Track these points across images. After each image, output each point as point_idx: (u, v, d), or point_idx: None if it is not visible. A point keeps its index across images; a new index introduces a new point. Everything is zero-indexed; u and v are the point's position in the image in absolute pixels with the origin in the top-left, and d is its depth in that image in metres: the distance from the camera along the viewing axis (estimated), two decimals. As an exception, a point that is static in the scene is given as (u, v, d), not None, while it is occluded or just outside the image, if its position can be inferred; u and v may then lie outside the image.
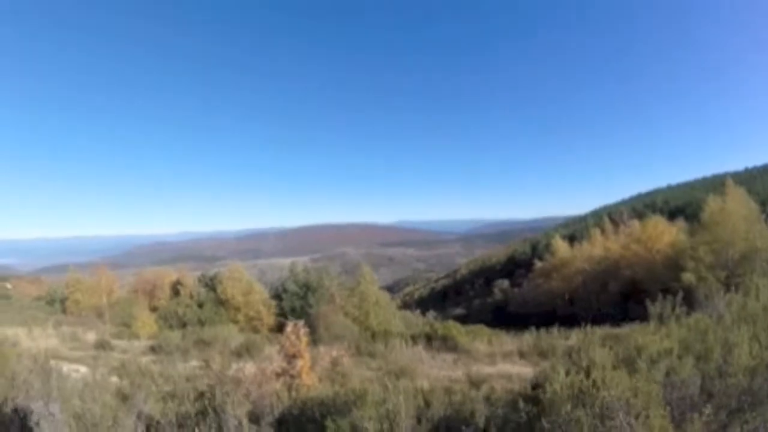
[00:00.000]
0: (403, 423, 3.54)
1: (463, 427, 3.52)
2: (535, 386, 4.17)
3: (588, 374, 3.34)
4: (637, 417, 2.91)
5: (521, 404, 3.52)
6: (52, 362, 10.33)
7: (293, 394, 5.09)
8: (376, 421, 3.48)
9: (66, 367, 13.35)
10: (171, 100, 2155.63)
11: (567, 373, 3.38)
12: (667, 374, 3.50)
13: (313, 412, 4.23)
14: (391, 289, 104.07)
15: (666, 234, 40.32)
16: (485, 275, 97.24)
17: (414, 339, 20.31)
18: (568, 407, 3.13)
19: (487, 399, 4.31)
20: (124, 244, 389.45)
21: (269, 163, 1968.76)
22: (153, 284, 47.38)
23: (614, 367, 3.40)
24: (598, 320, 25.85)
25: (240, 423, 3.91)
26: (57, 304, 43.65)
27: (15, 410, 4.26)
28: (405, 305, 73.30)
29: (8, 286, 58.74)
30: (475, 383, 10.39)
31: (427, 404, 3.72)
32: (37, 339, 22.44)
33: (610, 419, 2.96)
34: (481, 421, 3.54)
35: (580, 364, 3.68)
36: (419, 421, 3.63)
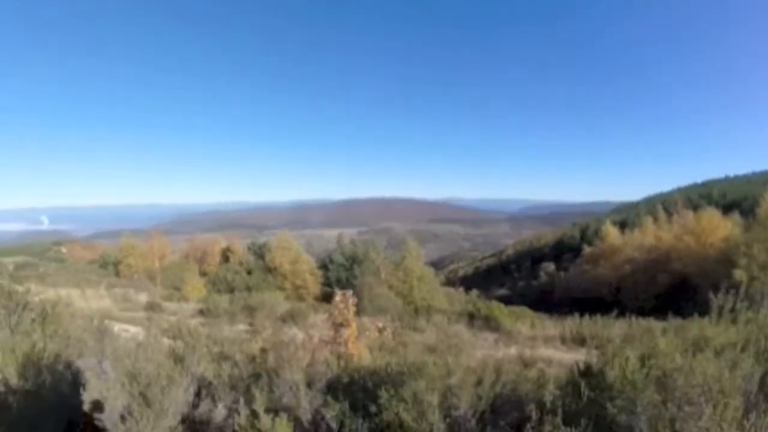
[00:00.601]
0: (464, 398, 3.41)
1: (524, 407, 3.36)
2: (586, 371, 3.95)
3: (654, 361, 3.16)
4: (715, 406, 2.70)
5: (583, 387, 3.33)
6: (103, 321, 10.71)
7: (341, 362, 5.02)
8: (439, 394, 3.37)
9: (117, 327, 13.81)
10: (236, 75, 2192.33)
11: (641, 359, 3.19)
12: (731, 368, 3.24)
13: (365, 381, 4.14)
14: (435, 265, 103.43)
15: (721, 228, 38.27)
16: (531, 257, 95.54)
17: (456, 316, 20.17)
18: (650, 391, 2.95)
19: (537, 380, 4.15)
20: (177, 212, 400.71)
21: (321, 137, 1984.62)
22: (203, 250, 48.70)
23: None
24: (644, 312, 24.96)
25: (296, 387, 3.86)
26: (110, 268, 45.47)
27: (68, 367, 4.34)
28: (449, 282, 72.83)
29: (63, 250, 62.08)
30: (527, 364, 10.17)
31: (479, 382, 3.58)
32: (90, 300, 23.27)
33: (690, 405, 2.76)
34: (541, 401, 3.37)
35: (645, 351, 3.45)
36: (479, 397, 3.49)
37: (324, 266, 40.58)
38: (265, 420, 3.34)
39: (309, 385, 3.96)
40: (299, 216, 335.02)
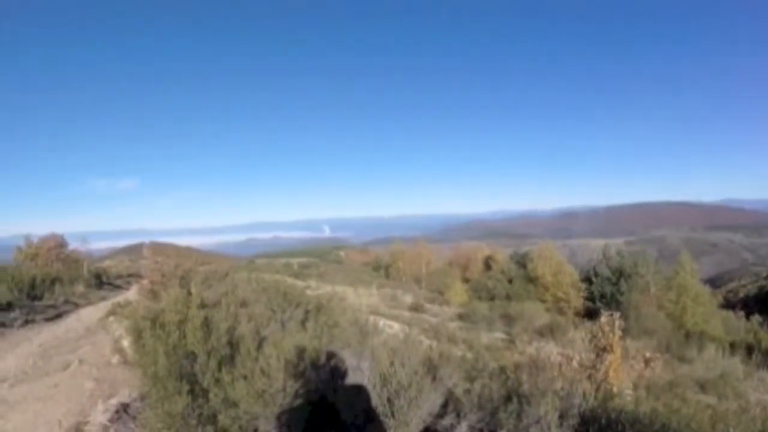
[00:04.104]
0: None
1: None
2: None
3: None
4: None
5: None
6: (371, 317, 11.55)
7: (598, 394, 4.42)
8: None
9: (382, 322, 14.85)
10: (496, 83, 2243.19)
11: None
12: None
13: (624, 428, 3.55)
14: (712, 282, 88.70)
15: None
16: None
17: (732, 347, 17.35)
18: None
19: None
20: (441, 222, 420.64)
21: (583, 141, 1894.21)
22: (467, 258, 50.25)
23: None
24: None
25: (548, 419, 3.50)
26: (381, 270, 50.23)
27: (330, 357, 4.65)
28: (727, 304, 61.64)
29: (341, 254, 72.57)
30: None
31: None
32: (361, 297, 25.69)
33: None
34: None
35: None
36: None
37: (587, 279, 38.11)
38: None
39: (561, 416, 3.54)
40: (563, 224, 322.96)
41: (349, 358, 4.84)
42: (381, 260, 55.03)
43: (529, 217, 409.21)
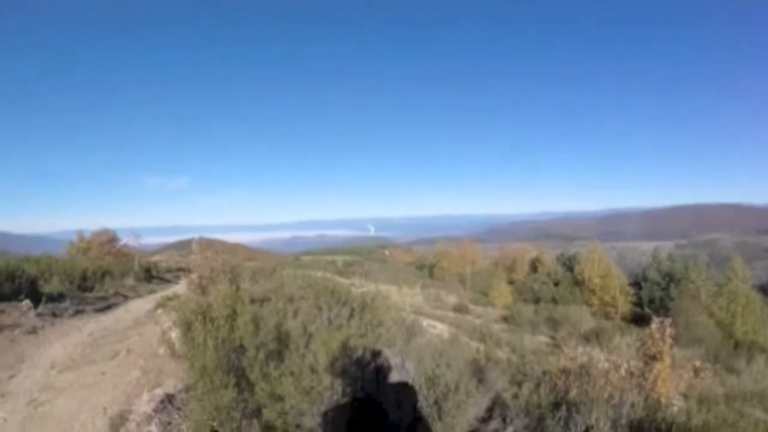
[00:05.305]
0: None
1: None
2: None
3: None
4: None
5: None
6: (413, 316, 11.46)
7: (647, 403, 4.23)
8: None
9: (426, 322, 14.77)
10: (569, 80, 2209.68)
11: None
12: None
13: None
14: (764, 289, 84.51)
15: None
16: None
17: None
18: None
19: None
20: (487, 222, 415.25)
21: (632, 138, 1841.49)
22: (513, 259, 49.49)
23: None
24: None
25: (595, 427, 3.37)
26: (425, 270, 49.88)
27: (375, 356, 4.61)
28: None
29: (385, 252, 72.84)
30: None
31: None
32: (405, 296, 25.61)
33: None
34: None
35: None
36: None
37: (636, 283, 36.88)
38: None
39: (611, 426, 3.39)
40: (611, 226, 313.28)
41: (393, 358, 4.80)
42: (425, 259, 54.69)
43: (576, 219, 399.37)
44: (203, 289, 11.12)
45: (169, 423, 4.73)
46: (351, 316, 6.07)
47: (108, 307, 13.68)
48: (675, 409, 5.13)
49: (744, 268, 29.42)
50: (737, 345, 21.09)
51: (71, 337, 9.34)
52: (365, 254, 65.20)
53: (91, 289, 16.05)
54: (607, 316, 32.27)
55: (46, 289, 13.52)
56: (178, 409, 4.98)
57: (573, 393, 4.14)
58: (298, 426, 3.69)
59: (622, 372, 7.11)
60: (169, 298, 12.50)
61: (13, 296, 11.74)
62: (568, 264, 41.15)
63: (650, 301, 34.20)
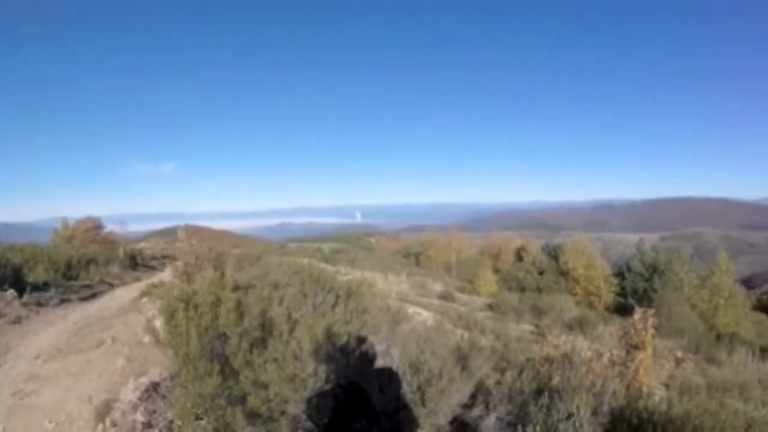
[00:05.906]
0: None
1: None
2: None
3: None
4: None
5: None
6: (398, 303, 11.49)
7: (628, 391, 4.29)
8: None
9: (411, 310, 14.81)
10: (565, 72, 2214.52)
11: None
12: None
13: (655, 427, 3.44)
14: (747, 282, 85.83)
15: None
16: None
17: (763, 351, 17.16)
18: None
19: None
20: (474, 211, 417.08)
21: (620, 130, 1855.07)
22: (498, 248, 50.01)
23: None
24: None
25: (580, 415, 3.42)
26: (412, 258, 50.10)
27: (360, 342, 4.63)
28: (760, 306, 59.34)
29: (372, 240, 72.38)
30: None
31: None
32: (391, 283, 25.73)
33: None
34: None
35: None
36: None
37: (620, 274, 37.38)
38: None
39: (593, 413, 3.44)
40: (598, 217, 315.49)
41: (378, 344, 4.83)
42: (411, 248, 54.95)
43: (564, 209, 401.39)
44: (188, 277, 11.07)
45: (155, 411, 4.72)
46: (336, 303, 6.08)
47: (93, 296, 13.55)
48: (656, 398, 5.22)
49: (728, 262, 29.85)
50: (719, 337, 21.48)
51: (56, 326, 9.26)
52: (352, 242, 65.21)
53: (76, 278, 15.89)
54: (590, 306, 32.68)
55: (31, 278, 13.36)
56: (164, 397, 4.97)
57: (555, 380, 4.19)
58: (282, 413, 3.70)
59: (605, 360, 7.23)
60: (154, 286, 12.42)
61: (-3, 286, 11.59)
62: (553, 254, 41.59)
63: (633, 291, 34.72)
